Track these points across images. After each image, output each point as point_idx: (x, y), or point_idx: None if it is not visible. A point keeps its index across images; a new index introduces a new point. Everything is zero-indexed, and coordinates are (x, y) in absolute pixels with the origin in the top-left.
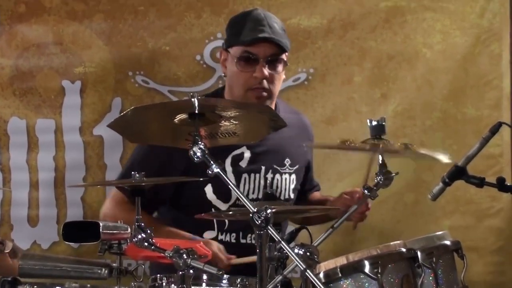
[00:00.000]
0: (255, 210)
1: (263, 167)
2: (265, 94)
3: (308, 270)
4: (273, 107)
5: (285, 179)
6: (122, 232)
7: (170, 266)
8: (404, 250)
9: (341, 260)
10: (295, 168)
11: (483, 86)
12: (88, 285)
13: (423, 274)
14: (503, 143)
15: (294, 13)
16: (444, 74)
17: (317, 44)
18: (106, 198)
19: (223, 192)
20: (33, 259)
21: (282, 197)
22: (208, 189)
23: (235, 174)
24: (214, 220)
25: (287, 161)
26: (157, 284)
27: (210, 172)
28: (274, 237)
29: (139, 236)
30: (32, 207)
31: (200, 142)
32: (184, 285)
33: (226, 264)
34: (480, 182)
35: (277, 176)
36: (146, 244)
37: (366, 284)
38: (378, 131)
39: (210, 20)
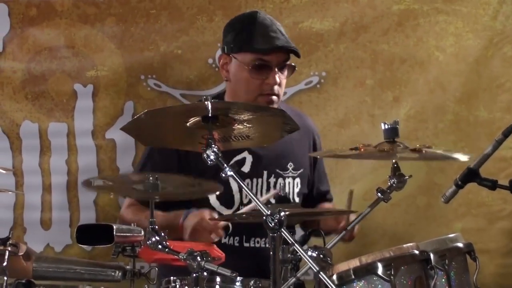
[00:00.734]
0: (268, 213)
1: (265, 172)
2: (275, 98)
3: (321, 272)
4: None
5: (289, 183)
6: (135, 235)
7: (180, 268)
8: (417, 252)
9: (354, 262)
10: (299, 172)
11: (496, 89)
12: None
13: (435, 276)
14: None
15: (307, 16)
16: (456, 77)
17: (329, 47)
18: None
19: (226, 198)
20: (47, 262)
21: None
22: (212, 195)
23: None
24: None
25: (290, 165)
26: (170, 287)
27: (223, 175)
28: (288, 240)
29: (153, 239)
30: (45, 210)
31: (213, 145)
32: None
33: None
34: (492, 185)
35: (280, 180)
36: (160, 246)
37: (379, 286)
38: (392, 134)
39: (222, 24)
